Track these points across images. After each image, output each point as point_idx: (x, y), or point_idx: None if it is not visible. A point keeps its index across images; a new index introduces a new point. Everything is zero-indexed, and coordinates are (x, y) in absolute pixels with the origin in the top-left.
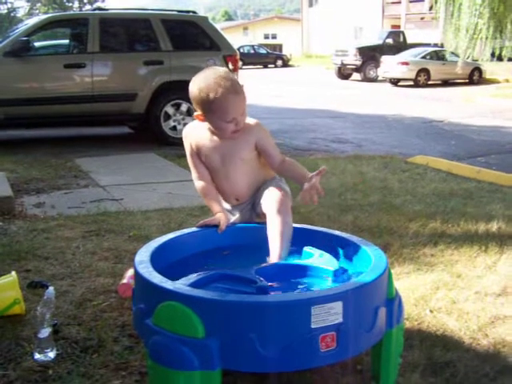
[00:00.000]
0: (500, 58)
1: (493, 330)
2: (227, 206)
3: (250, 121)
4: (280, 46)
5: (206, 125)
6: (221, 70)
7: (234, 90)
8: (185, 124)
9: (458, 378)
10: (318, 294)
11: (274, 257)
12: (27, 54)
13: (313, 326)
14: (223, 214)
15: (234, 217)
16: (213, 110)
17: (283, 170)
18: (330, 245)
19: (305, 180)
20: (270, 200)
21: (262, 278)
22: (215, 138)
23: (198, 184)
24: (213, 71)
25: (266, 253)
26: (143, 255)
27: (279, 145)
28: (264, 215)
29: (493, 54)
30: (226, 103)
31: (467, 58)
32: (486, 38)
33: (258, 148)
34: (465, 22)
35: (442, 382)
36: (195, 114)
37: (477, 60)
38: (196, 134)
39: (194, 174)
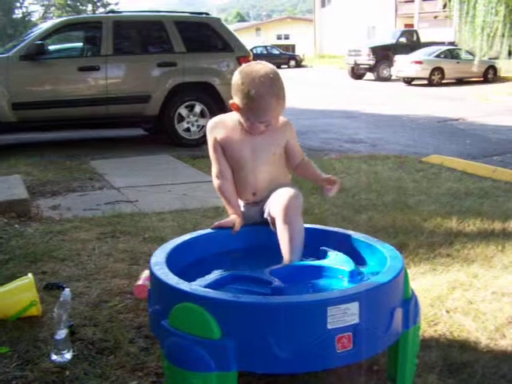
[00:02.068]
0: None
1: (510, 331)
2: (242, 204)
3: (282, 118)
4: (293, 47)
5: (236, 117)
6: (270, 70)
7: (277, 94)
8: (198, 125)
9: (476, 379)
10: (334, 294)
11: (287, 258)
12: (42, 58)
13: (329, 327)
14: (238, 215)
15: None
16: (250, 107)
17: (300, 168)
18: (345, 245)
19: (320, 178)
20: (279, 204)
21: (277, 279)
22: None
23: (217, 181)
24: (263, 68)
25: (281, 254)
26: (159, 257)
27: None
28: (273, 218)
29: (509, 52)
30: (265, 106)
31: (483, 56)
32: (503, 35)
33: (286, 146)
34: (480, 20)
35: (459, 383)
36: (231, 101)
37: (492, 58)
38: (224, 126)
39: (214, 170)
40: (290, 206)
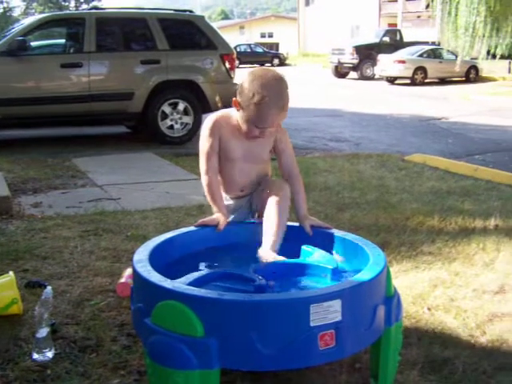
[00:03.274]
0: (495, 56)
1: (491, 328)
2: (228, 199)
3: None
4: (277, 45)
5: (235, 116)
6: (280, 80)
7: (281, 106)
8: (182, 123)
9: (457, 376)
10: (316, 292)
11: (266, 245)
12: (24, 54)
13: (312, 325)
14: (222, 214)
15: (232, 216)
16: (250, 109)
17: (289, 186)
18: (327, 243)
19: (301, 216)
20: (276, 190)
21: (260, 277)
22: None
23: (207, 177)
24: (274, 76)
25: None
26: (141, 254)
27: None
28: (260, 214)
29: (488, 52)
30: (267, 114)
31: (465, 56)
32: (483, 35)
33: (275, 149)
34: (463, 21)
35: (440, 379)
36: (234, 98)
37: (474, 58)
38: (226, 124)
39: (203, 166)
40: (284, 195)
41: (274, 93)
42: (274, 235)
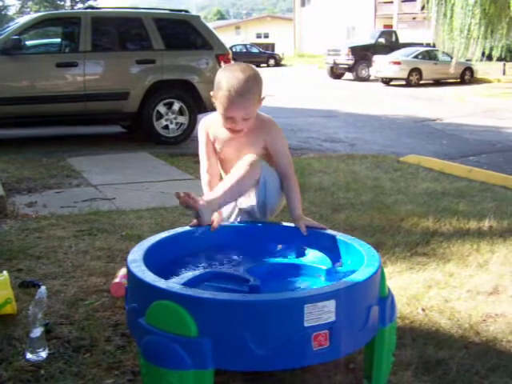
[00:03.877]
0: (490, 58)
1: (484, 329)
2: None
3: (264, 118)
4: (272, 46)
5: None
6: (248, 71)
7: (240, 91)
8: (177, 123)
9: (450, 376)
10: (310, 292)
11: (208, 195)
12: (19, 53)
13: (306, 325)
14: (217, 213)
15: (228, 211)
16: (216, 96)
17: (284, 186)
18: (322, 243)
19: (295, 216)
20: (244, 158)
21: (254, 277)
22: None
23: (205, 177)
24: (243, 67)
25: (259, 252)
26: (136, 254)
27: None
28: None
29: (483, 54)
30: (225, 99)
31: (460, 57)
32: (478, 37)
33: (268, 149)
34: (458, 23)
35: (434, 380)
36: (212, 92)
37: (469, 60)
38: (217, 124)
39: (203, 165)
40: (247, 164)
41: (234, 80)
42: (220, 194)
